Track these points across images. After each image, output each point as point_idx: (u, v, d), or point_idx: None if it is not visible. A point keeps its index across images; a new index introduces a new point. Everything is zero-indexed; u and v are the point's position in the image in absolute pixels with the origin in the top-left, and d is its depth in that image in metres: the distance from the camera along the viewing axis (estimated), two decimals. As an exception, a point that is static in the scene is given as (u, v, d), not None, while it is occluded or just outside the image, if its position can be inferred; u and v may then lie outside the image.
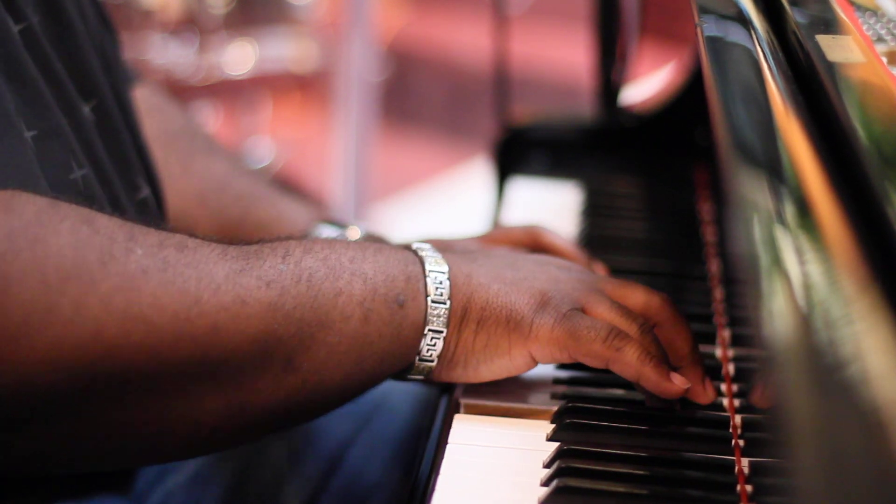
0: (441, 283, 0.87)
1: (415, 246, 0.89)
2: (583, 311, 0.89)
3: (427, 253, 0.88)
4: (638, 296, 0.91)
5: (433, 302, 0.86)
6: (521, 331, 0.87)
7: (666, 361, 0.88)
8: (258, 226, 1.09)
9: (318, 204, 1.11)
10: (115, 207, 0.91)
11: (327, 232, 1.08)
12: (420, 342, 0.86)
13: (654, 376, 0.86)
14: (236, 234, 1.08)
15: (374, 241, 1.07)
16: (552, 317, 0.87)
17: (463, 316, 0.87)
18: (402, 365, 0.87)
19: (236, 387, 0.80)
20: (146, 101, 1.10)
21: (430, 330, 0.86)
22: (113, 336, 0.74)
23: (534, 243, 1.05)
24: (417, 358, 0.87)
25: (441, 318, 0.86)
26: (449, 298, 0.86)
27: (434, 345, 0.86)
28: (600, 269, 1.05)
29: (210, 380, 0.78)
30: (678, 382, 0.87)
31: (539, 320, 0.87)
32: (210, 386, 0.79)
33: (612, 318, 0.88)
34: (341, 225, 1.09)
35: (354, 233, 1.08)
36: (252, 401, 0.81)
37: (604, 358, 0.87)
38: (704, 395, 0.89)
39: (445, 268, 0.87)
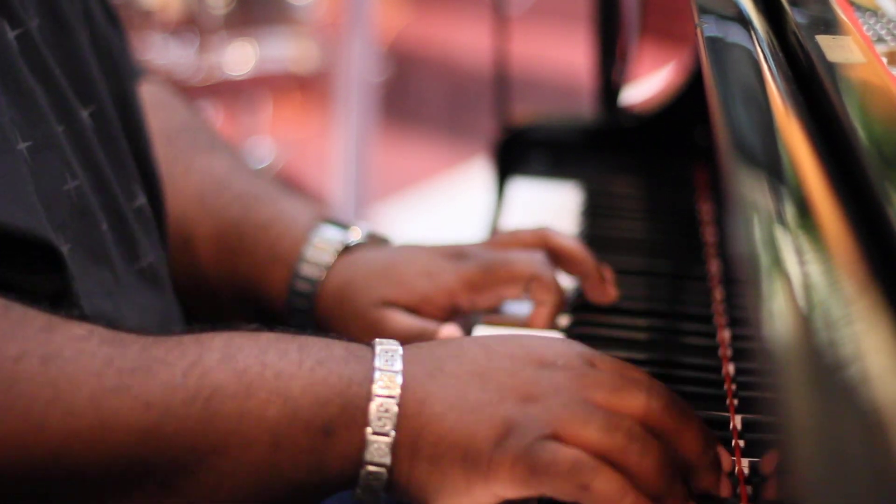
0: (387, 411, 0.76)
1: (378, 349, 0.78)
2: (555, 435, 0.76)
3: (383, 366, 0.77)
4: (635, 401, 0.78)
5: (374, 434, 0.75)
6: (479, 470, 0.76)
7: (672, 473, 0.77)
8: (257, 226, 1.07)
9: (320, 203, 1.10)
10: (114, 215, 0.90)
11: (329, 233, 1.05)
12: (355, 474, 0.76)
13: None
14: (235, 235, 1.07)
15: (376, 244, 1.06)
16: (513, 452, 0.76)
17: (413, 450, 0.76)
18: (329, 493, 0.77)
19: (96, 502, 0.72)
20: (151, 97, 1.09)
21: (369, 462, 0.76)
22: None
23: (542, 246, 1.04)
24: (359, 491, 0.76)
25: (383, 451, 0.75)
26: (394, 430, 0.75)
27: (376, 480, 0.76)
28: (607, 274, 1.05)
29: (59, 500, 0.72)
30: None
31: (498, 457, 0.76)
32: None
33: (589, 443, 0.76)
34: (343, 225, 1.07)
35: (356, 233, 1.06)
36: None
37: (570, 495, 0.76)
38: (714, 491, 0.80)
39: (397, 391, 0.76)
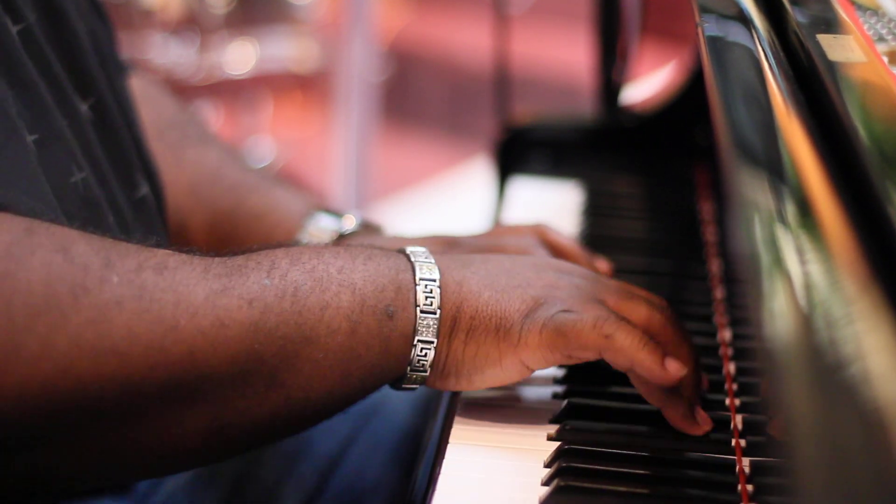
0: (431, 291, 0.84)
1: (408, 250, 0.87)
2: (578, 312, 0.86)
3: (419, 259, 0.86)
4: (640, 310, 0.88)
5: (422, 312, 0.84)
6: (510, 339, 0.85)
7: (681, 334, 0.87)
8: (251, 215, 1.07)
9: (313, 193, 1.09)
10: (114, 208, 0.91)
11: (324, 221, 1.07)
12: (410, 353, 0.84)
13: (647, 362, 0.84)
14: (229, 225, 1.08)
15: (369, 233, 1.07)
16: (541, 321, 0.85)
17: (453, 325, 0.85)
18: (392, 376, 0.85)
19: (216, 407, 0.78)
20: (140, 92, 1.09)
21: (419, 340, 0.84)
22: (83, 370, 0.72)
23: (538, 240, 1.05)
24: (409, 368, 0.85)
25: (431, 329, 0.84)
26: (439, 308, 0.84)
27: (425, 355, 0.84)
28: (603, 266, 1.05)
29: (188, 402, 0.77)
30: (672, 369, 0.84)
31: (528, 326, 0.85)
32: (188, 408, 0.77)
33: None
34: (337, 214, 1.08)
35: (350, 221, 1.07)
36: (234, 420, 0.79)
37: (595, 346, 0.84)
38: (695, 425, 0.87)
39: (437, 275, 0.85)
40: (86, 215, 0.86)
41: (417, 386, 0.86)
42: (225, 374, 0.77)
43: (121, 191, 0.93)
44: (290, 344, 0.79)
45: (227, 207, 1.08)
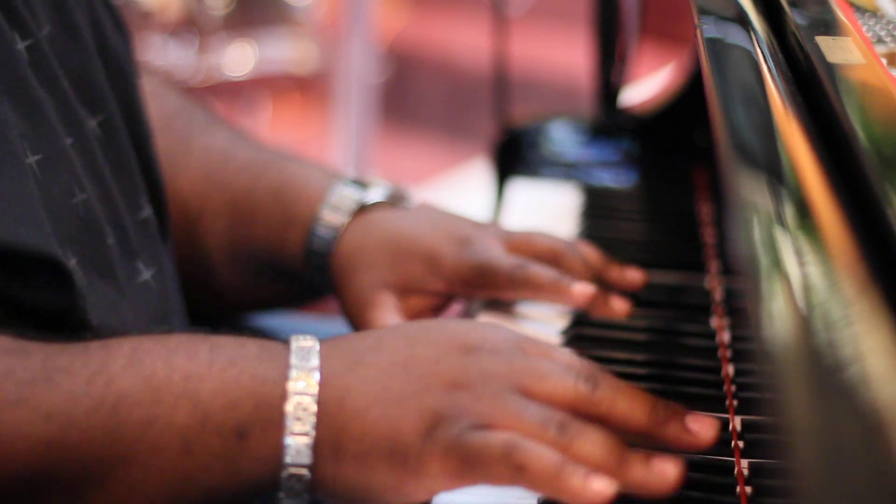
0: (304, 409, 0.73)
1: (294, 346, 0.76)
2: (486, 425, 0.73)
3: (298, 362, 0.75)
4: (565, 385, 0.75)
5: (292, 434, 0.73)
6: (408, 465, 0.73)
7: (616, 449, 0.74)
8: (268, 192, 1.05)
9: (331, 167, 1.07)
10: (116, 228, 0.90)
11: (347, 191, 1.03)
12: (274, 476, 0.73)
13: (568, 490, 0.71)
14: (248, 204, 1.06)
15: (395, 203, 1.04)
16: (443, 442, 0.73)
17: (336, 449, 0.73)
18: (247, 498, 0.75)
19: None
20: (145, 89, 1.08)
21: (289, 464, 0.73)
22: None
23: (554, 263, 1.01)
24: (282, 495, 0.74)
25: (302, 452, 0.73)
26: (314, 428, 0.73)
27: (299, 482, 0.73)
28: (635, 276, 1.04)
29: None
30: (597, 490, 0.71)
31: (428, 449, 0.73)
32: None
33: (521, 428, 0.73)
34: (362, 184, 1.04)
35: (376, 192, 1.04)
36: None
37: (507, 479, 0.72)
38: (695, 439, 0.77)
39: (314, 388, 0.74)
40: (84, 238, 0.85)
41: None
42: (13, 490, 0.71)
43: (125, 211, 0.92)
44: (96, 464, 0.71)
45: (244, 186, 1.06)
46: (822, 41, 0.87)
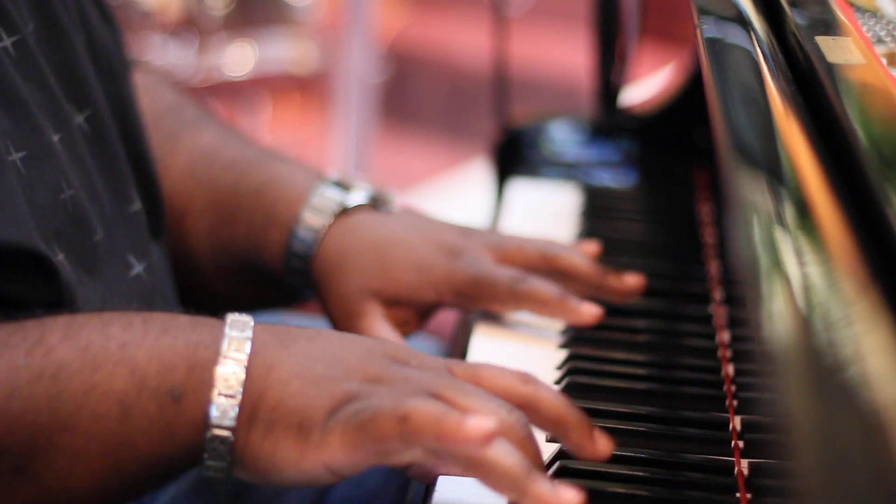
0: (234, 373, 0.75)
1: (229, 320, 0.78)
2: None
3: (233, 332, 0.77)
4: (487, 410, 0.75)
5: (220, 395, 0.74)
6: (311, 439, 0.74)
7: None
8: (250, 191, 1.04)
9: (317, 167, 1.05)
10: (103, 223, 0.89)
11: (329, 193, 1.02)
12: (203, 441, 0.75)
13: (449, 428, 0.71)
14: (231, 203, 1.05)
15: (378, 206, 1.03)
16: (343, 419, 0.74)
17: (252, 415, 0.75)
18: (188, 464, 0.76)
19: None
20: (139, 84, 1.07)
21: (213, 425, 0.74)
22: None
23: (547, 267, 1.01)
24: (206, 457, 0.75)
25: (229, 415, 0.74)
26: (240, 392, 0.75)
27: (223, 444, 0.75)
28: (631, 281, 1.03)
29: None
30: (475, 426, 0.71)
31: (330, 425, 0.74)
32: None
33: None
34: (345, 186, 1.04)
35: (359, 194, 1.03)
36: None
37: (395, 434, 0.72)
38: (595, 450, 0.78)
39: (244, 354, 0.76)
40: (72, 233, 0.85)
41: (222, 476, 0.77)
42: None
43: (114, 205, 0.92)
44: (41, 432, 0.72)
45: (227, 185, 1.05)
46: (822, 41, 0.87)
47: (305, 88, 3.32)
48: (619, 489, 0.81)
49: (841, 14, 0.94)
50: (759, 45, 0.91)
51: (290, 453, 0.75)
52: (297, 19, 3.15)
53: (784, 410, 0.54)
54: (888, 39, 0.90)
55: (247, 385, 0.75)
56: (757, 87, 0.84)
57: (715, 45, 0.90)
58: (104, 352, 0.75)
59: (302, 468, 0.75)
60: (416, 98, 3.80)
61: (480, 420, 0.71)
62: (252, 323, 0.78)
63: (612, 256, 1.10)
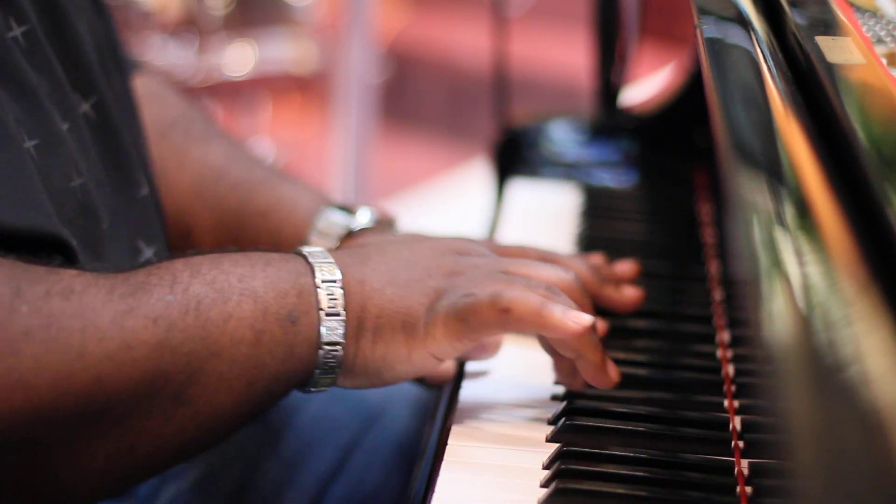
0: (333, 294, 0.83)
1: (305, 251, 0.86)
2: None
3: (318, 260, 0.85)
4: (543, 271, 0.88)
5: (327, 315, 0.83)
6: (417, 334, 0.84)
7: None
8: (256, 213, 1.05)
9: (321, 190, 1.06)
10: (110, 211, 0.90)
11: (334, 217, 1.04)
12: (316, 357, 0.83)
13: (550, 322, 0.83)
14: (236, 224, 1.06)
15: (382, 228, 1.04)
16: (443, 311, 0.84)
17: (359, 326, 0.84)
18: (299, 381, 0.84)
19: (124, 429, 0.77)
20: (144, 91, 1.07)
21: (325, 343, 0.83)
22: None
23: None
24: (318, 372, 0.84)
25: (337, 332, 0.83)
26: (344, 309, 0.83)
27: (333, 358, 0.83)
28: (632, 293, 1.03)
29: (95, 427, 0.76)
30: (575, 322, 0.84)
31: (431, 318, 0.84)
32: (95, 432, 0.76)
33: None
34: (349, 209, 1.05)
35: (363, 217, 1.05)
36: (141, 440, 0.78)
37: (496, 323, 0.84)
38: (607, 376, 0.87)
39: (338, 275, 0.84)
40: (82, 221, 0.86)
41: (326, 388, 0.85)
42: (132, 395, 0.76)
43: (120, 193, 0.93)
44: (196, 359, 0.79)
45: (233, 206, 1.06)
46: (822, 41, 0.87)
47: (305, 88, 3.32)
48: (619, 489, 0.81)
49: (841, 14, 0.94)
50: (759, 45, 0.91)
51: (400, 350, 0.85)
52: (297, 19, 3.15)
53: (784, 410, 0.54)
54: (888, 39, 0.90)
55: (348, 301, 0.83)
56: (757, 87, 0.84)
57: (715, 45, 0.91)
58: (228, 285, 0.81)
59: (412, 361, 0.85)
60: (416, 98, 3.80)
61: (578, 315, 0.84)
62: (325, 252, 0.86)
63: (612, 256, 1.10)
